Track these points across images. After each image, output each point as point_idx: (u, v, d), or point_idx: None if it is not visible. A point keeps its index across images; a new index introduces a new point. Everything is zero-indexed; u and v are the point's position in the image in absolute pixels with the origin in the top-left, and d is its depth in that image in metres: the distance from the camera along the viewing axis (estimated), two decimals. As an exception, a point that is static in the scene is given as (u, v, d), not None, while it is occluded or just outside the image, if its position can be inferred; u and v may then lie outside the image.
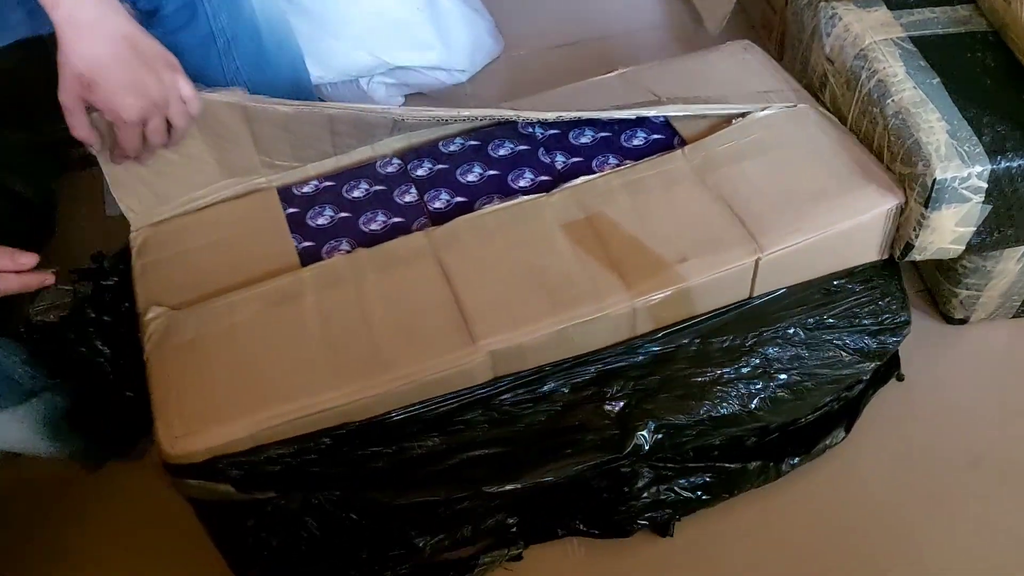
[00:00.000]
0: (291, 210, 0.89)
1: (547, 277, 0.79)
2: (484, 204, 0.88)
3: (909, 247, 0.87)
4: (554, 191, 0.87)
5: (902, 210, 0.85)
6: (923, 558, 0.86)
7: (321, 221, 0.88)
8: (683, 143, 0.91)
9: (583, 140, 0.94)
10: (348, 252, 0.85)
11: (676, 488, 0.87)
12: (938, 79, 0.88)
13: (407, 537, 0.83)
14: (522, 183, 0.90)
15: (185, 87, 0.76)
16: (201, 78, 0.96)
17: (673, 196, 0.85)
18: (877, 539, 0.88)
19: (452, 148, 0.95)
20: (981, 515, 0.89)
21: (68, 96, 0.71)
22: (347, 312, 0.78)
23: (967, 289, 0.98)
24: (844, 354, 0.87)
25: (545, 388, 0.79)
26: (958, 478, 0.92)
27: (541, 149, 0.93)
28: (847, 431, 0.92)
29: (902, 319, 0.89)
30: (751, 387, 0.83)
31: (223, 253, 0.85)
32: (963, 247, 0.88)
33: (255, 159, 0.90)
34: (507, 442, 0.79)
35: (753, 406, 0.83)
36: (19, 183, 1.14)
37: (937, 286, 1.03)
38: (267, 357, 0.75)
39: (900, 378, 0.98)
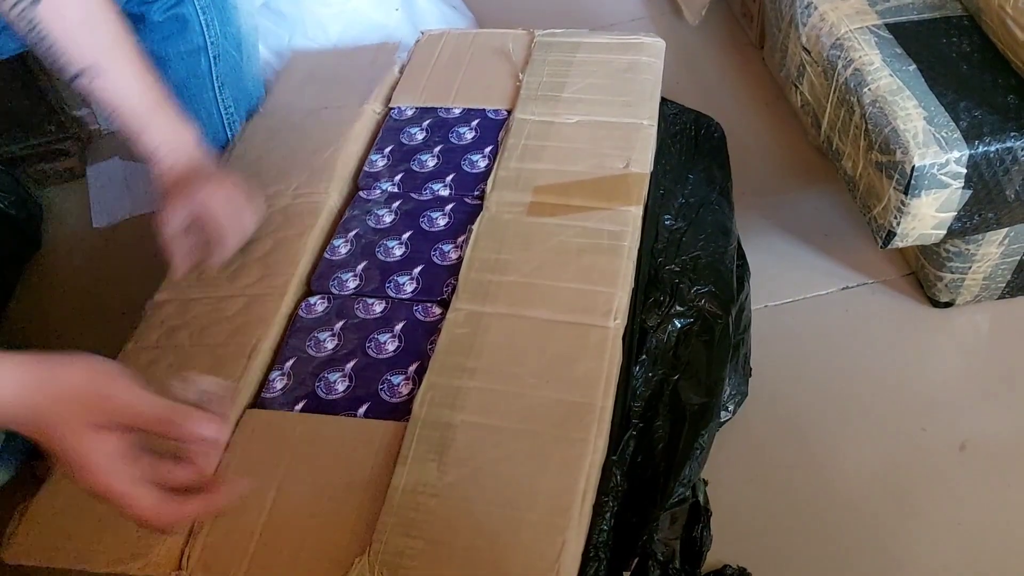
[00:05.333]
0: None
1: None
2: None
3: (891, 235, 0.87)
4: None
5: (880, 198, 0.85)
6: (912, 545, 0.87)
7: None
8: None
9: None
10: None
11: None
12: (914, 66, 0.88)
13: None
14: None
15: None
16: (185, 88, 0.96)
17: None
18: (866, 530, 0.88)
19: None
20: (968, 498, 0.90)
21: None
22: None
23: (951, 272, 0.99)
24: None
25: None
26: (947, 462, 0.92)
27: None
28: None
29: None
30: None
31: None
32: (944, 232, 0.88)
33: None
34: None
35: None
36: (1, 198, 1.13)
37: (922, 270, 1.04)
38: None
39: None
